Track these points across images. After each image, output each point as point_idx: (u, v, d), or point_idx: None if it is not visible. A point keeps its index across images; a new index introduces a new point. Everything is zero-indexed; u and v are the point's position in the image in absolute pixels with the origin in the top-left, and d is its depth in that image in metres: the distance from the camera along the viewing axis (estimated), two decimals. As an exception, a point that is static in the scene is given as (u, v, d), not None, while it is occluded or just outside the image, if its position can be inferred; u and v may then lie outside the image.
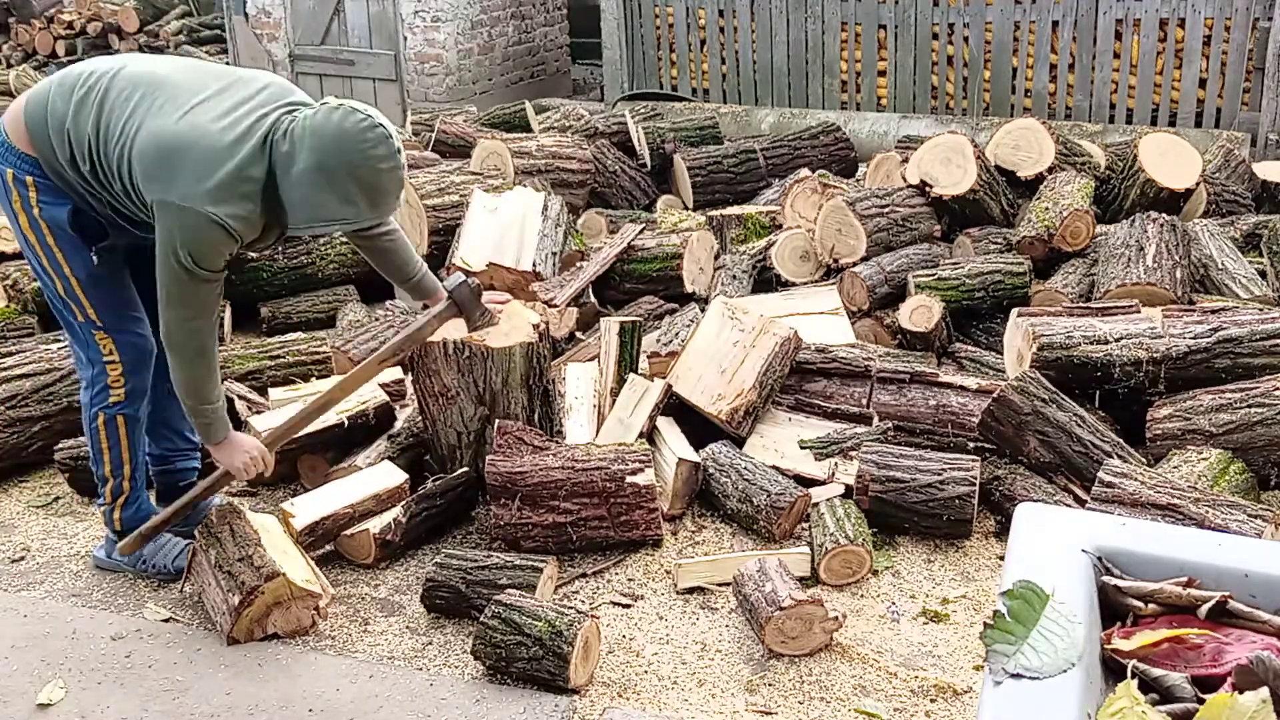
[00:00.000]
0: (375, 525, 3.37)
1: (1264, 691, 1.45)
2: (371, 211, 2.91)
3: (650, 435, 3.71)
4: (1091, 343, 3.71)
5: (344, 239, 5.36)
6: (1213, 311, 3.78)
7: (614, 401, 3.82)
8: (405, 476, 3.56)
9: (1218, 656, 1.59)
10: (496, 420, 3.47)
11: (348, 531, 3.39)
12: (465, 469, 3.55)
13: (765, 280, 4.95)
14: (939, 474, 3.39)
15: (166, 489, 3.50)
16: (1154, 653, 1.62)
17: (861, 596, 3.20)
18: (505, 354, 3.46)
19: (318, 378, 4.21)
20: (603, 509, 3.35)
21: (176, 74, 2.95)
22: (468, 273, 4.68)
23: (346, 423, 3.77)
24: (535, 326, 3.56)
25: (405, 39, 9.42)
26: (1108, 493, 3.13)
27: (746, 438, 3.72)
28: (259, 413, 3.87)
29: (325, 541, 3.39)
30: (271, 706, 2.79)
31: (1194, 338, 3.67)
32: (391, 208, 2.98)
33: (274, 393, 4.00)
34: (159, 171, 2.78)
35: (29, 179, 2.94)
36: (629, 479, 3.35)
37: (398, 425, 3.87)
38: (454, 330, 3.50)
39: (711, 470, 3.59)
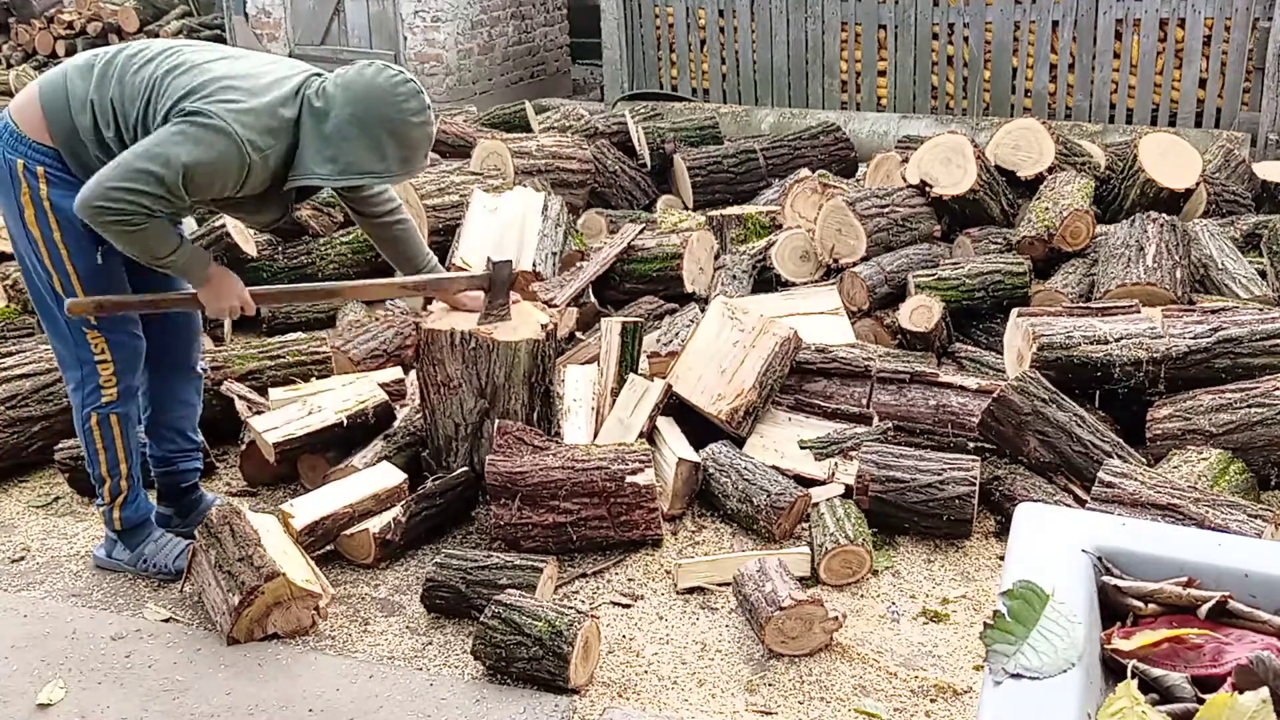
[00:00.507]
0: (375, 525, 3.37)
1: (1264, 691, 1.45)
2: (401, 167, 2.94)
3: (650, 435, 3.71)
4: (1091, 343, 3.71)
5: (344, 239, 5.36)
6: (1213, 311, 3.78)
7: (614, 402, 3.82)
8: (404, 476, 3.56)
9: (1218, 656, 1.59)
10: (497, 420, 3.47)
11: (347, 531, 3.38)
12: (465, 469, 3.55)
13: (765, 280, 4.95)
14: (939, 474, 3.39)
15: (169, 490, 3.51)
16: (1154, 653, 1.61)
17: (861, 596, 3.20)
18: (510, 348, 3.46)
19: (317, 377, 4.20)
20: (603, 509, 3.35)
21: (190, 45, 3.01)
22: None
23: (345, 421, 3.77)
24: (544, 326, 3.56)
25: (405, 39, 9.42)
26: (1108, 493, 3.13)
27: (746, 438, 3.72)
28: (259, 413, 3.87)
29: (325, 542, 3.39)
30: (271, 706, 2.79)
31: (1194, 338, 3.67)
32: (420, 165, 3.00)
33: (274, 393, 4.00)
34: (193, 87, 2.79)
35: (40, 169, 2.93)
36: (629, 479, 3.35)
37: (395, 425, 3.86)
38: (464, 320, 3.51)
39: (711, 470, 3.59)
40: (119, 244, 2.88)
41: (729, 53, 8.70)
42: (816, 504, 3.44)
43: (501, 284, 3.52)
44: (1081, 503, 3.28)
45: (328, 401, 3.83)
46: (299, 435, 3.69)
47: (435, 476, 3.56)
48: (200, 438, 3.54)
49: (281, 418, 3.76)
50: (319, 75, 2.99)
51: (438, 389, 3.56)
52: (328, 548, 3.42)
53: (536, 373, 3.54)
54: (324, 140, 2.87)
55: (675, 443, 3.64)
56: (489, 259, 3.52)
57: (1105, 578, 1.72)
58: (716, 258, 5.09)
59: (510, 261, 3.54)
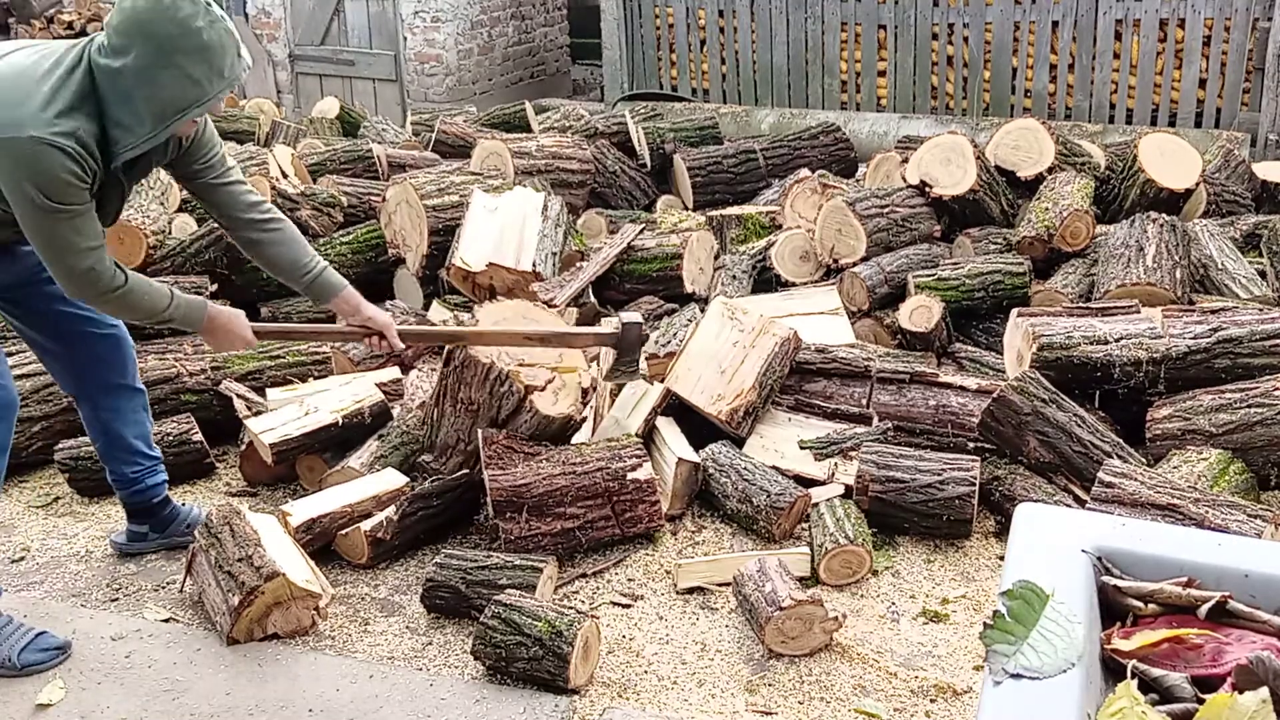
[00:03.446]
0: (368, 524, 3.36)
1: (1264, 691, 1.45)
2: (218, 80, 2.68)
3: (649, 436, 3.71)
4: (1091, 343, 3.70)
5: (344, 239, 5.36)
6: (1213, 311, 3.78)
7: (613, 402, 3.82)
8: (405, 480, 3.56)
9: (1218, 656, 1.59)
10: (481, 431, 3.46)
11: (343, 531, 3.38)
12: (465, 470, 3.55)
13: (765, 280, 4.95)
14: (939, 474, 3.39)
15: (139, 509, 3.44)
16: (1154, 653, 1.61)
17: (861, 596, 3.20)
18: (544, 419, 3.47)
19: (316, 378, 4.21)
20: (607, 509, 3.36)
21: None
22: (467, 273, 4.69)
23: (341, 422, 3.77)
24: (583, 394, 3.54)
25: (405, 39, 9.42)
26: (1108, 493, 3.13)
27: (746, 438, 3.72)
28: (258, 413, 3.87)
29: (322, 540, 3.39)
30: (271, 706, 2.79)
31: (1194, 338, 3.67)
32: (238, 69, 2.72)
33: (272, 393, 4.00)
34: None
35: None
36: (630, 476, 3.35)
37: (390, 425, 3.86)
38: (505, 356, 3.46)
39: (711, 470, 3.59)
40: (124, 314, 2.87)
41: (729, 53, 8.70)
42: (816, 504, 3.44)
43: (631, 345, 3.49)
44: (1081, 503, 3.28)
45: (324, 402, 3.83)
46: (295, 436, 3.69)
47: (435, 478, 3.56)
48: (158, 451, 3.45)
49: (278, 419, 3.76)
50: (91, 39, 2.72)
51: (455, 403, 3.56)
52: (328, 548, 3.42)
53: (555, 434, 3.54)
54: (128, 98, 2.64)
55: (675, 443, 3.64)
56: (620, 318, 3.47)
57: (1105, 578, 1.72)
58: (716, 258, 5.09)
59: (641, 323, 3.48)
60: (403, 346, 3.30)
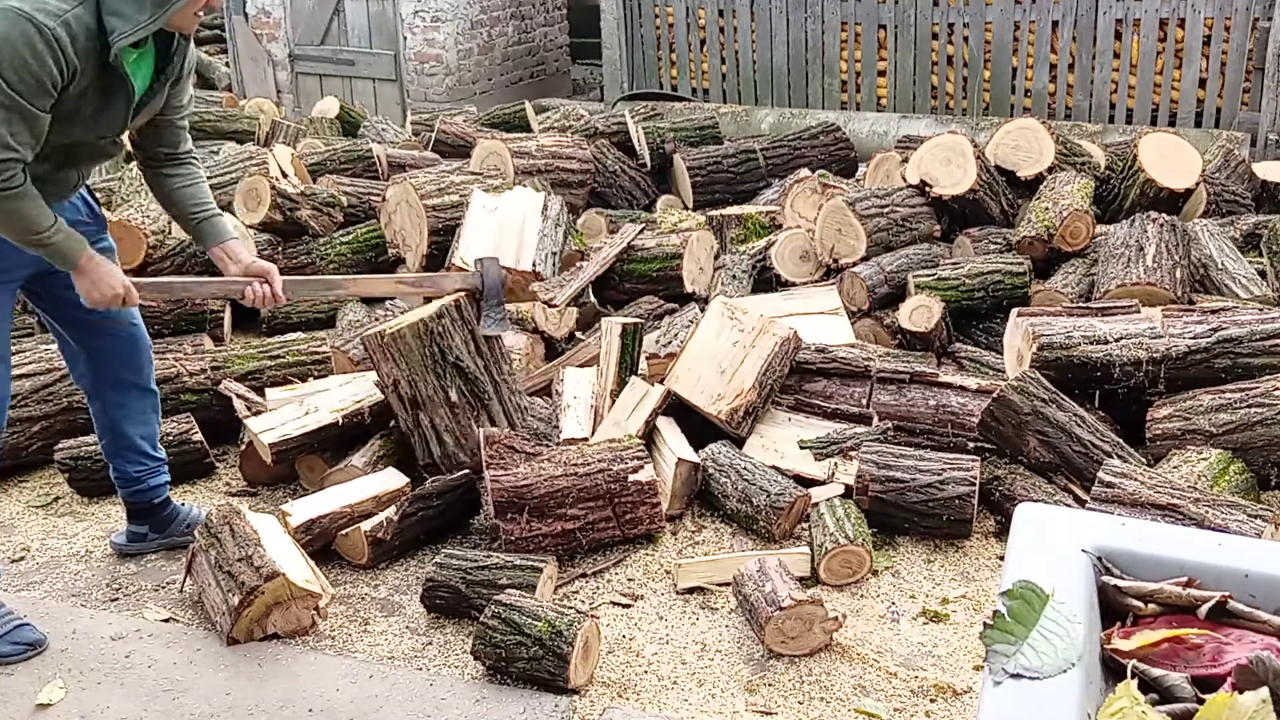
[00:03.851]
0: (368, 524, 3.36)
1: (1264, 691, 1.45)
2: None
3: (650, 436, 3.71)
4: (1091, 343, 3.70)
5: (344, 239, 5.36)
6: (1213, 311, 3.78)
7: (614, 403, 3.82)
8: (406, 480, 3.56)
9: (1218, 656, 1.59)
10: (483, 431, 3.46)
11: (343, 531, 3.38)
12: (466, 471, 3.55)
13: (765, 280, 4.95)
14: (939, 474, 3.39)
15: (139, 509, 3.44)
16: (1154, 653, 1.61)
17: (861, 596, 3.20)
18: (398, 338, 3.48)
19: (316, 377, 4.21)
20: (608, 510, 3.36)
21: None
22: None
23: (341, 421, 3.77)
24: (441, 307, 3.51)
25: (405, 39, 9.42)
26: (1108, 493, 3.13)
27: (746, 438, 3.72)
28: (258, 413, 3.87)
29: (321, 540, 3.39)
30: (271, 706, 2.79)
31: (1194, 338, 3.67)
32: None
33: (271, 393, 4.00)
34: None
35: None
36: (631, 478, 3.35)
37: (391, 424, 3.86)
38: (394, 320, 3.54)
39: (711, 470, 3.59)
40: (4, 224, 2.71)
41: (729, 53, 8.70)
42: (816, 504, 3.44)
43: (493, 285, 3.47)
44: (1081, 503, 3.28)
45: (324, 402, 3.83)
46: (295, 436, 3.69)
47: (434, 478, 3.56)
48: (162, 453, 3.46)
49: (278, 418, 3.76)
50: None
51: (388, 390, 3.62)
52: (328, 548, 3.42)
53: (434, 356, 3.50)
54: None
55: (675, 443, 3.64)
56: (477, 260, 3.47)
57: (1105, 578, 1.72)
58: (716, 258, 5.09)
59: (497, 260, 3.47)
60: (285, 297, 3.23)
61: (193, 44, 3.00)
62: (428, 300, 3.66)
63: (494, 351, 3.68)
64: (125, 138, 3.05)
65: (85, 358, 3.22)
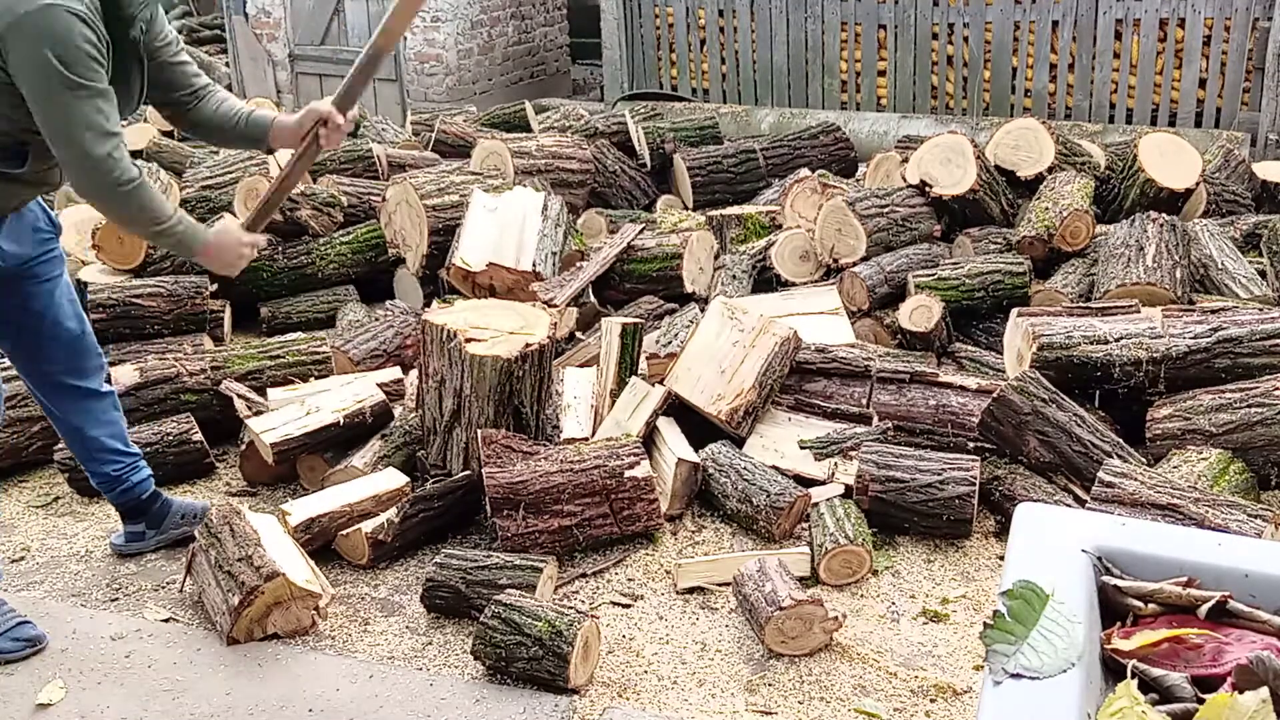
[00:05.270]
0: (369, 526, 3.36)
1: (1264, 691, 1.45)
2: None
3: (650, 436, 3.71)
4: (1091, 343, 3.70)
5: (344, 239, 5.36)
6: (1213, 311, 3.78)
7: (614, 403, 3.82)
8: (406, 480, 3.56)
9: (1218, 656, 1.59)
10: (480, 430, 3.46)
11: (344, 532, 3.38)
12: (466, 472, 3.55)
13: (765, 280, 4.95)
14: (939, 474, 3.39)
15: (130, 508, 3.41)
16: (1154, 653, 1.61)
17: (861, 596, 3.20)
18: (477, 363, 3.45)
19: (317, 377, 4.21)
20: (605, 507, 3.36)
21: None
22: (467, 273, 4.69)
23: (342, 421, 3.77)
24: (526, 345, 3.50)
25: (405, 39, 9.41)
26: (1108, 493, 3.13)
27: (746, 438, 3.72)
28: (259, 413, 3.87)
29: (321, 540, 3.39)
30: (271, 706, 2.79)
31: (1194, 338, 3.67)
32: None
33: (273, 393, 4.00)
34: None
35: None
36: (628, 474, 3.36)
37: (392, 424, 3.86)
38: (458, 318, 3.53)
39: (711, 470, 3.59)
40: (128, 216, 2.78)
41: (729, 53, 8.70)
42: (816, 504, 3.44)
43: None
44: (1081, 503, 3.28)
45: (325, 402, 3.83)
46: (296, 436, 3.69)
47: (435, 479, 3.56)
48: (135, 447, 3.40)
49: (279, 418, 3.76)
50: None
51: (427, 378, 3.59)
52: (328, 548, 3.42)
53: (502, 393, 3.49)
54: None
55: (675, 443, 3.64)
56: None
57: (1105, 578, 1.72)
58: (716, 258, 5.09)
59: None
60: (347, 120, 3.13)
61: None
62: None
63: (548, 396, 3.71)
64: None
65: (35, 366, 3.16)
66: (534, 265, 4.76)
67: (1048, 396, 3.48)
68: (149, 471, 3.42)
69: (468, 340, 3.48)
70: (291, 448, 3.70)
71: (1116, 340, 3.70)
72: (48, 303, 3.08)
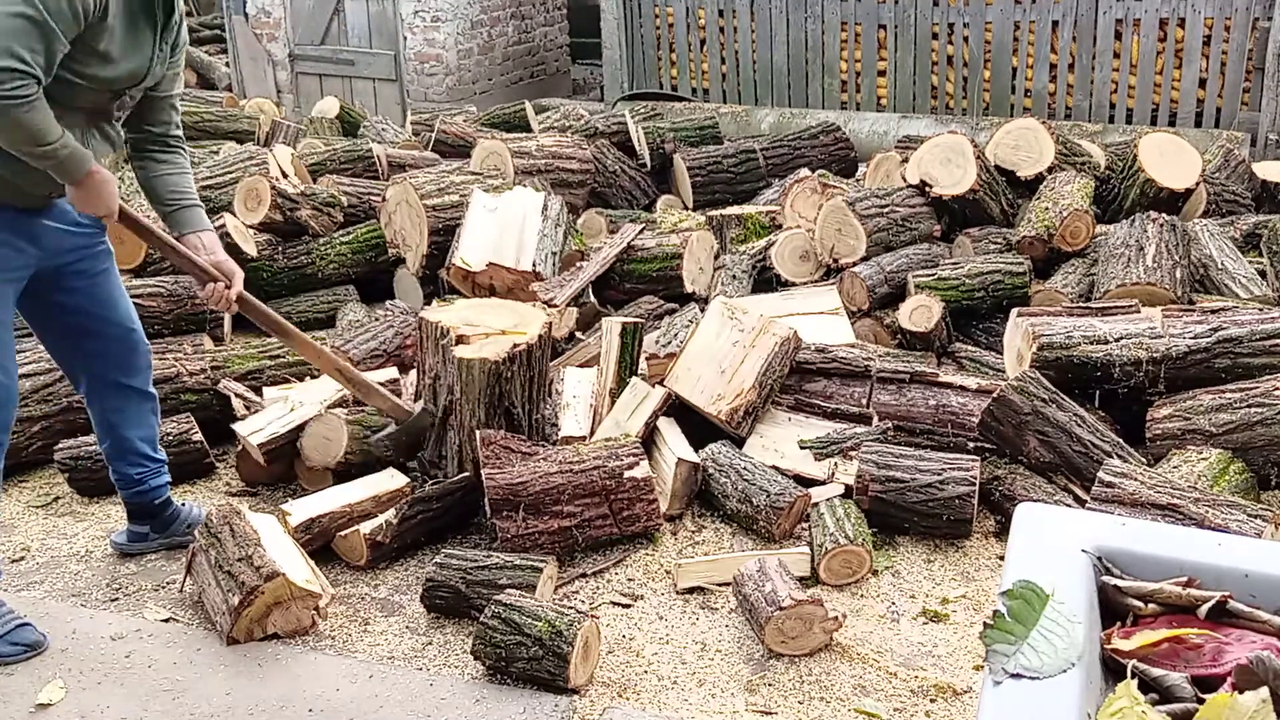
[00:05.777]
0: (367, 527, 3.36)
1: (1264, 691, 1.45)
2: None
3: (650, 436, 3.71)
4: (1091, 343, 3.70)
5: (344, 239, 5.36)
6: (1213, 311, 3.78)
7: (613, 403, 3.82)
8: (406, 480, 3.56)
9: (1218, 656, 1.59)
10: (479, 431, 3.46)
11: (342, 532, 3.38)
12: (466, 474, 3.55)
13: (765, 280, 4.95)
14: (939, 474, 3.39)
15: (140, 510, 3.44)
16: (1154, 653, 1.61)
17: (861, 596, 3.20)
18: (464, 365, 3.45)
19: (315, 377, 4.20)
20: (604, 507, 3.36)
21: None
22: (466, 273, 4.69)
23: (326, 413, 3.76)
24: (514, 346, 3.50)
25: (405, 39, 9.41)
26: (1108, 493, 3.13)
27: (746, 438, 3.72)
28: (256, 412, 3.87)
29: (321, 540, 3.39)
30: (271, 706, 2.79)
31: (1194, 338, 3.67)
32: None
33: (268, 392, 4.00)
34: None
35: None
36: (627, 474, 3.35)
37: (391, 425, 3.86)
38: (454, 316, 3.57)
39: (711, 470, 3.59)
40: (11, 134, 2.65)
41: (729, 53, 8.70)
42: (816, 504, 3.44)
43: (410, 430, 3.59)
44: (1081, 503, 3.28)
45: (310, 396, 3.83)
46: (283, 433, 3.69)
47: (434, 480, 3.56)
48: (163, 454, 3.45)
49: (264, 419, 3.76)
50: None
51: (422, 374, 3.61)
52: (328, 548, 3.42)
53: (492, 394, 3.49)
54: None
55: (675, 443, 3.64)
56: (422, 406, 3.60)
57: (1105, 578, 1.72)
58: (716, 258, 5.09)
59: (434, 418, 3.57)
60: (236, 308, 3.17)
61: (185, 24, 3.01)
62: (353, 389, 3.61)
63: (542, 396, 3.70)
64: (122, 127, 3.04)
65: (79, 362, 3.20)
66: (534, 265, 4.76)
67: (1048, 396, 3.48)
68: (168, 478, 3.46)
69: (458, 340, 3.48)
70: (280, 446, 3.69)
71: (1116, 340, 3.70)
72: (95, 298, 3.09)
